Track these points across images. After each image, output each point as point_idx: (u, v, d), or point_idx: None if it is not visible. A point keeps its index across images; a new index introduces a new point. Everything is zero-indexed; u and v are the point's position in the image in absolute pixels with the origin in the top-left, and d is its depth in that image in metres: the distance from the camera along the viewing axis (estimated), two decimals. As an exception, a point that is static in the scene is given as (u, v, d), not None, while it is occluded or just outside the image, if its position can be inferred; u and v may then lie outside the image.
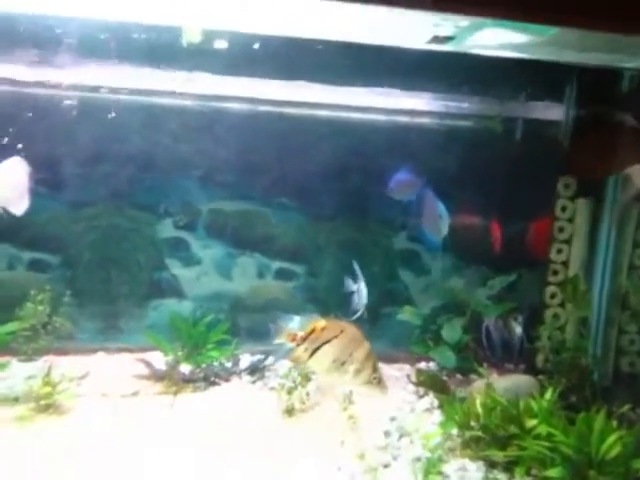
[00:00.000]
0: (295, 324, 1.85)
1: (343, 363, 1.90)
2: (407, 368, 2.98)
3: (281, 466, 2.15)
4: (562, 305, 2.65)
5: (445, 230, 2.72)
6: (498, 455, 2.15)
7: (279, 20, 1.91)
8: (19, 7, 2.01)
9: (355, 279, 2.66)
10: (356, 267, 2.63)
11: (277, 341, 1.83)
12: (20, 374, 2.58)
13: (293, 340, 1.82)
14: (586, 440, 1.97)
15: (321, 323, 1.87)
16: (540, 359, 2.67)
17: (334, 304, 2.88)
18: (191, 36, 1.86)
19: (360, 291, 2.63)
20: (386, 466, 2.21)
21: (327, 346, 1.85)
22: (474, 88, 2.64)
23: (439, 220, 2.78)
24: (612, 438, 1.93)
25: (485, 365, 2.77)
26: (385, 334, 2.99)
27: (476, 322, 2.83)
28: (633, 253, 2.55)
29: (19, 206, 2.52)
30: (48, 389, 2.36)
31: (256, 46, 2.54)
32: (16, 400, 2.43)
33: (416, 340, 2.88)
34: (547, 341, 2.60)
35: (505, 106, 2.71)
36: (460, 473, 2.18)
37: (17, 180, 2.50)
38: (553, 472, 1.99)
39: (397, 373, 2.94)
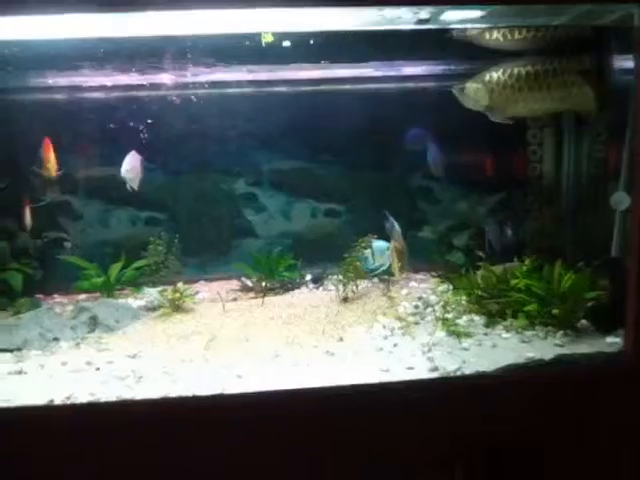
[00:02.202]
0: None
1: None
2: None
3: (342, 329, 3.10)
4: (540, 210, 3.55)
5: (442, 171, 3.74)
6: (494, 306, 3.07)
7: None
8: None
9: (388, 217, 3.58)
10: (386, 213, 3.58)
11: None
12: (152, 293, 3.65)
13: None
14: (550, 281, 2.88)
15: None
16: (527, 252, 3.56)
17: (370, 232, 3.72)
18: (267, 38, 2.80)
19: (393, 224, 3.56)
20: (416, 323, 3.15)
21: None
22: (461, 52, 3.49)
23: (440, 162, 3.77)
24: (567, 276, 2.84)
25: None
26: (411, 250, 3.84)
27: (479, 233, 3.75)
28: (588, 165, 3.43)
29: (135, 184, 3.62)
30: (177, 294, 3.41)
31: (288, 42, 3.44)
32: (155, 308, 3.50)
33: (434, 250, 3.82)
34: (531, 236, 3.51)
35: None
36: (469, 322, 3.11)
37: (135, 167, 3.59)
38: (530, 307, 2.90)
39: (423, 277, 3.91)
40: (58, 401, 2.36)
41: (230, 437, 2.29)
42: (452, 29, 2.64)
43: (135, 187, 3.60)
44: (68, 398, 2.38)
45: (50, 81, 3.58)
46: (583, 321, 2.94)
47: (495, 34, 2.96)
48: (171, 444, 2.28)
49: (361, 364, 2.67)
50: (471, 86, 3.27)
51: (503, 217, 3.66)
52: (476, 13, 2.62)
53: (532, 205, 3.56)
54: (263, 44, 2.85)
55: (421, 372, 2.57)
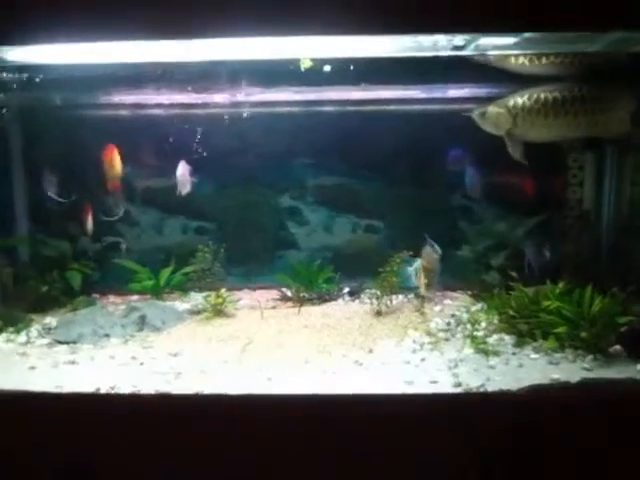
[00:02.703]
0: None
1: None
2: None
3: (373, 341, 3.21)
4: (579, 233, 3.53)
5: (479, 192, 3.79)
6: (524, 326, 3.09)
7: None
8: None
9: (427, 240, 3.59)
10: (427, 236, 3.57)
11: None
12: (198, 298, 3.88)
13: None
14: (580, 304, 2.88)
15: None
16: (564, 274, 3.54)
17: (407, 248, 3.78)
18: (306, 64, 3.01)
19: (431, 244, 3.59)
20: (447, 340, 3.22)
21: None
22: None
23: (477, 184, 3.80)
24: (597, 300, 2.83)
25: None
26: (449, 269, 3.86)
27: (516, 254, 3.75)
28: (631, 190, 3.39)
29: (185, 190, 3.87)
30: (220, 300, 3.62)
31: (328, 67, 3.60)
32: (199, 312, 3.72)
33: (471, 270, 3.86)
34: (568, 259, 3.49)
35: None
36: (499, 341, 3.14)
37: (184, 175, 3.84)
38: (560, 329, 2.91)
39: (459, 295, 3.96)
40: (103, 390, 2.59)
41: (253, 433, 2.44)
42: (481, 54, 2.71)
43: (183, 192, 3.87)
44: (112, 388, 2.61)
45: (116, 99, 3.91)
46: (617, 346, 2.92)
47: (521, 58, 3.00)
48: (199, 435, 2.46)
49: (387, 375, 2.76)
50: (493, 110, 3.30)
51: (542, 239, 3.65)
52: (510, 40, 2.70)
53: (571, 228, 3.55)
54: (302, 69, 3.03)
55: (444, 387, 2.64)
